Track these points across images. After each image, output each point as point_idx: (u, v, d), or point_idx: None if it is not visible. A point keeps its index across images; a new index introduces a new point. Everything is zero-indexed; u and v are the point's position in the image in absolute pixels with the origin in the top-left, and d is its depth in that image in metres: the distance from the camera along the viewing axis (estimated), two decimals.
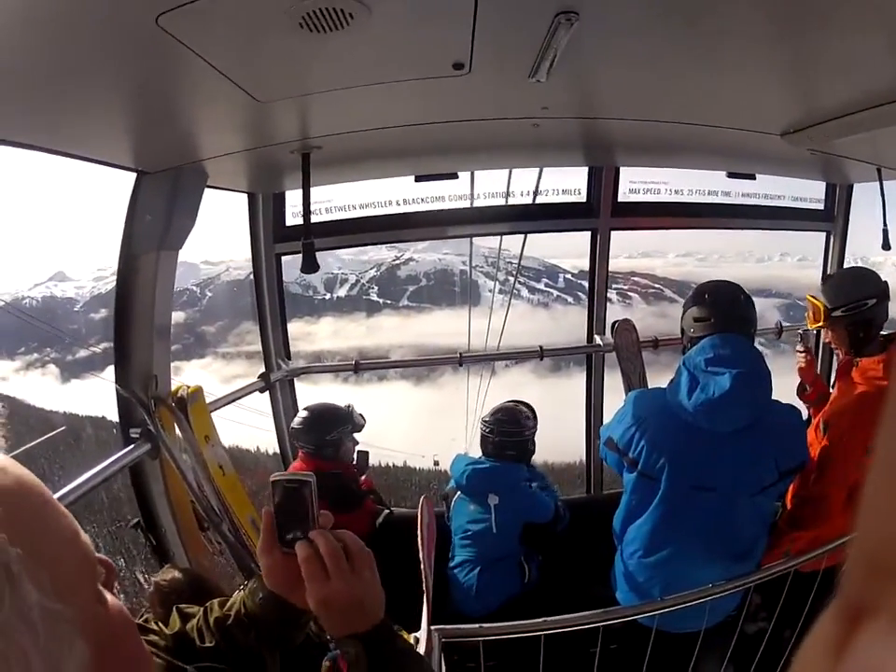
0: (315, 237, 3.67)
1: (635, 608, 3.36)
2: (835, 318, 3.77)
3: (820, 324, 3.88)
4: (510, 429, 4.48)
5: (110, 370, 3.70)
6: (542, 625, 3.11)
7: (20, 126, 2.45)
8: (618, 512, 3.67)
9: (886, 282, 3.74)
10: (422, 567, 3.36)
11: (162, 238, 3.50)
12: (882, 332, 3.75)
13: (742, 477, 3.28)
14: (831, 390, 4.21)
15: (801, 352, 4.35)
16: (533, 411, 4.71)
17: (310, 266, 3.63)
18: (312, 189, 3.70)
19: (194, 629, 1.53)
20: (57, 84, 2.10)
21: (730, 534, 3.37)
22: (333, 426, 4.72)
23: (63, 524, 0.85)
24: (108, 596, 0.90)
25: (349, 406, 4.94)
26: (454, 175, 4.88)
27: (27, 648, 0.71)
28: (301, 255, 3.67)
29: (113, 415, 3.77)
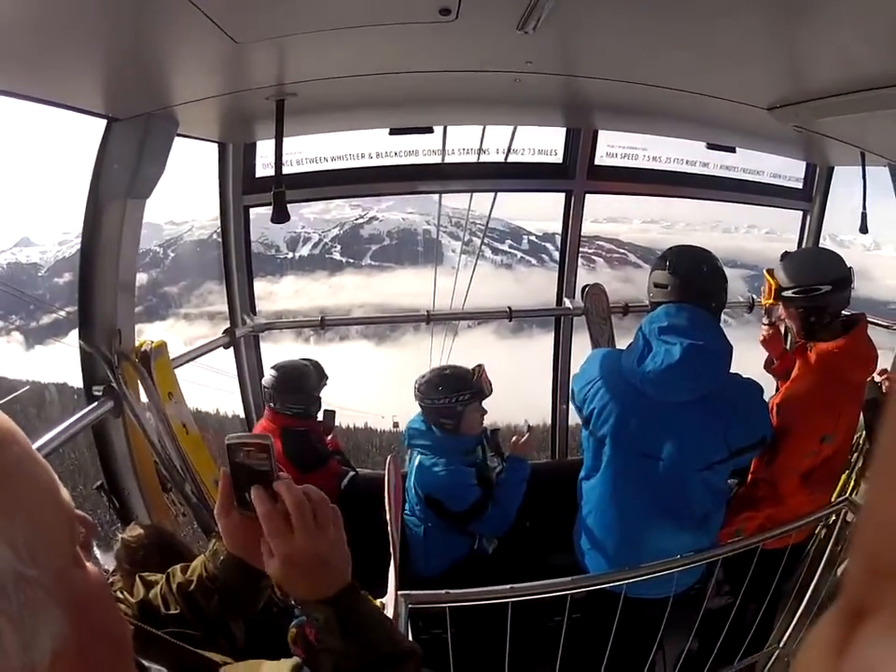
0: (286, 189, 3.60)
1: (602, 576, 3.35)
2: (787, 298, 3.70)
3: (771, 301, 3.82)
4: (418, 396, 4.37)
5: (74, 334, 3.60)
6: (510, 592, 3.10)
7: None
8: (581, 471, 3.67)
9: (848, 269, 3.63)
10: (389, 528, 3.31)
11: (130, 186, 3.41)
12: (841, 315, 3.68)
13: (687, 450, 3.26)
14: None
15: (765, 325, 4.29)
16: (464, 379, 4.31)
17: (280, 215, 3.57)
18: (283, 140, 3.61)
19: (158, 596, 1.53)
20: (25, 24, 1.99)
21: (677, 505, 3.36)
22: (301, 383, 4.70)
23: (42, 478, 0.78)
24: (85, 561, 0.84)
25: (314, 362, 4.92)
26: (429, 130, 4.81)
27: None
28: (269, 207, 3.61)
29: (77, 381, 3.68)
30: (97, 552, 2.81)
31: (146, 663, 1.12)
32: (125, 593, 1.54)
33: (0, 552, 0.67)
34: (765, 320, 4.27)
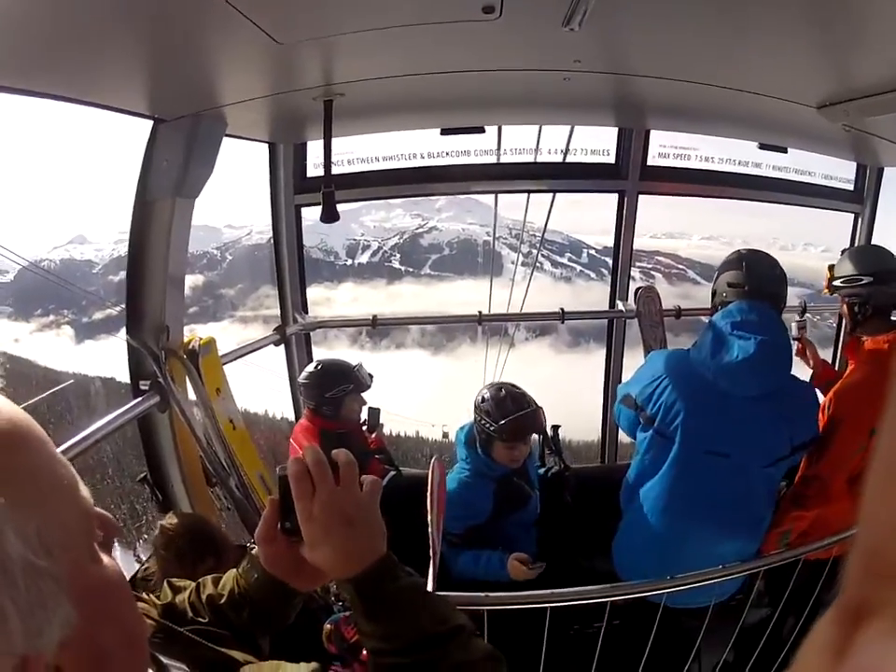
0: (337, 188, 3.62)
1: (642, 584, 3.32)
2: (836, 288, 3.93)
3: (828, 292, 4.05)
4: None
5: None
6: (549, 597, 3.09)
7: (35, 74, 2.40)
8: (629, 472, 3.67)
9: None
10: (429, 530, 3.30)
11: (179, 186, 3.44)
12: (891, 311, 3.76)
13: (756, 445, 3.30)
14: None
15: (794, 339, 4.42)
16: (505, 410, 3.93)
17: (330, 215, 3.59)
18: (334, 140, 3.64)
19: (185, 602, 1.55)
20: (72, 30, 2.05)
21: (740, 504, 3.38)
22: (334, 383, 4.61)
23: (60, 473, 0.80)
24: (104, 557, 0.85)
25: (357, 365, 4.81)
26: (480, 130, 4.79)
27: (4, 603, 0.66)
28: (321, 206, 3.61)
29: (123, 376, 3.75)
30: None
31: (165, 660, 1.13)
32: (150, 594, 1.56)
33: (11, 542, 0.68)
34: (794, 334, 4.43)
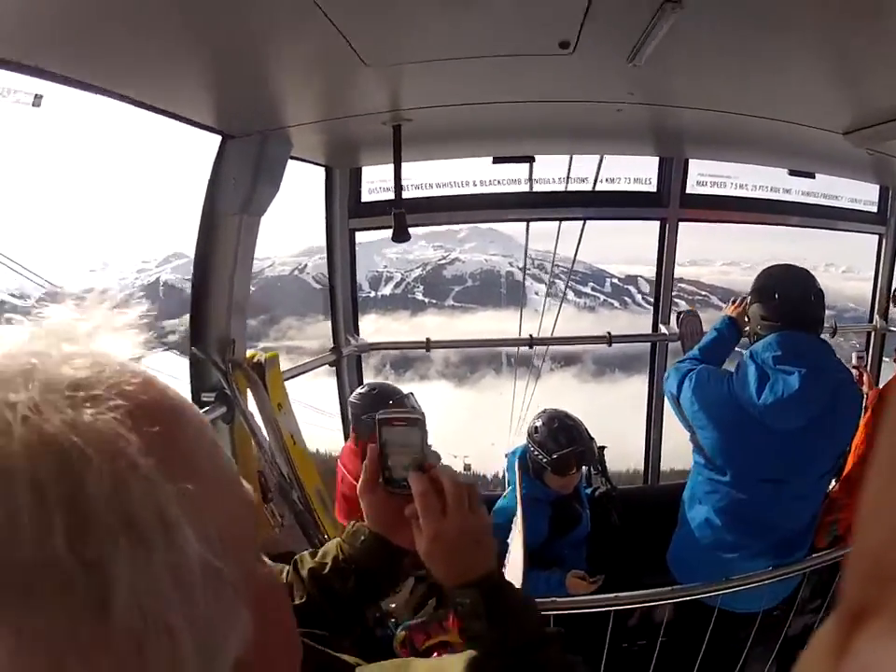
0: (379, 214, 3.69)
1: (700, 587, 3.36)
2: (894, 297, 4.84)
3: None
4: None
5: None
6: (614, 601, 3.16)
7: (112, 73, 2.38)
8: (686, 489, 3.72)
9: None
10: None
11: (246, 203, 3.51)
12: None
13: (806, 469, 3.33)
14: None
15: (854, 367, 4.76)
16: (558, 443, 4.06)
17: (401, 234, 3.69)
18: (385, 168, 3.71)
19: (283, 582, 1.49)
20: (150, 32, 2.06)
21: (795, 524, 3.43)
22: (368, 409, 4.52)
23: (230, 466, 0.72)
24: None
25: (401, 395, 4.73)
26: (531, 158, 4.90)
27: (177, 624, 0.53)
28: (371, 231, 3.68)
29: None
30: None
31: None
32: None
33: (188, 540, 0.55)
34: (854, 362, 5.06)
